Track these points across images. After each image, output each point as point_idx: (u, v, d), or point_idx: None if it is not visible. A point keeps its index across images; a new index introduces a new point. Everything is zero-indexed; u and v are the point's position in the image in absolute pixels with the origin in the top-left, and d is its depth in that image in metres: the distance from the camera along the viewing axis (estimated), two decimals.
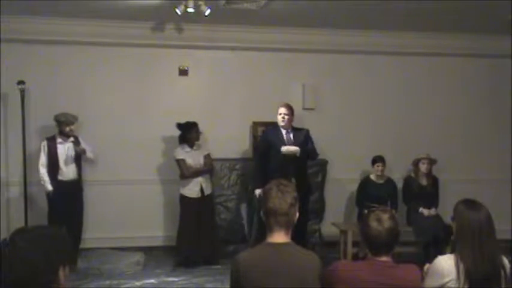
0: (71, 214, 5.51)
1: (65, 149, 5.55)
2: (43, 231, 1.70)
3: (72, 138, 5.62)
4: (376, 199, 5.64)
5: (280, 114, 5.44)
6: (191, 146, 5.76)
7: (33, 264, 1.59)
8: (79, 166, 5.68)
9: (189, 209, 5.65)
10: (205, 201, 5.72)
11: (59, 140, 5.57)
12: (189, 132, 5.73)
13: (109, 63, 6.28)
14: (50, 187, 5.48)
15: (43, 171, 5.51)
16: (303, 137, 5.51)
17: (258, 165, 5.60)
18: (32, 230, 1.69)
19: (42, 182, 5.52)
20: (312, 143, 5.60)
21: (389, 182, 6.15)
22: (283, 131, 5.48)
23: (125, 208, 6.28)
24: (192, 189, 5.66)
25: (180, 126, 5.78)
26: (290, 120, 5.47)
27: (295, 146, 5.37)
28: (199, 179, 5.69)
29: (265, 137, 5.64)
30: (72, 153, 5.57)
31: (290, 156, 5.31)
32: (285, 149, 5.31)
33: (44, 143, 5.58)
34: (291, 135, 5.48)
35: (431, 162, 6.06)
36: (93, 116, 6.14)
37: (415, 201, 5.97)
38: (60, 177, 5.53)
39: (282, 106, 5.49)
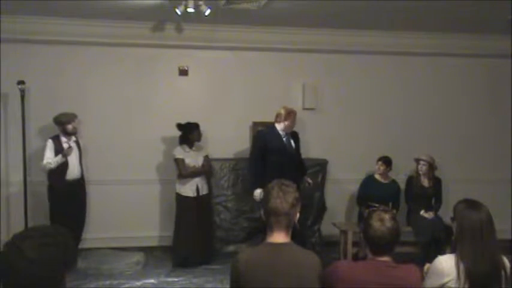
0: (74, 213, 5.50)
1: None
2: (49, 239, 1.61)
3: (74, 138, 5.62)
4: (378, 199, 5.62)
5: (292, 121, 5.43)
6: (191, 146, 5.77)
7: (42, 277, 1.56)
8: (81, 165, 5.69)
9: (185, 208, 5.67)
10: (201, 201, 5.73)
11: (63, 139, 5.52)
12: (191, 133, 5.74)
13: (109, 63, 6.27)
14: (59, 157, 5.38)
15: (48, 161, 5.39)
16: (297, 141, 5.58)
17: (254, 166, 5.45)
18: (38, 236, 1.60)
19: (49, 166, 5.37)
20: (299, 148, 5.64)
21: (393, 183, 6.13)
22: (282, 133, 5.46)
23: (125, 208, 6.28)
24: (189, 188, 5.68)
25: (180, 126, 5.77)
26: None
27: (294, 149, 5.47)
28: (196, 179, 5.70)
29: (262, 138, 5.49)
30: (77, 152, 5.59)
31: (288, 161, 5.33)
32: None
33: (50, 142, 5.46)
34: (290, 140, 5.50)
35: (431, 166, 5.98)
36: (93, 116, 6.14)
37: (415, 201, 5.96)
38: (67, 177, 5.50)
39: (295, 115, 5.46)
